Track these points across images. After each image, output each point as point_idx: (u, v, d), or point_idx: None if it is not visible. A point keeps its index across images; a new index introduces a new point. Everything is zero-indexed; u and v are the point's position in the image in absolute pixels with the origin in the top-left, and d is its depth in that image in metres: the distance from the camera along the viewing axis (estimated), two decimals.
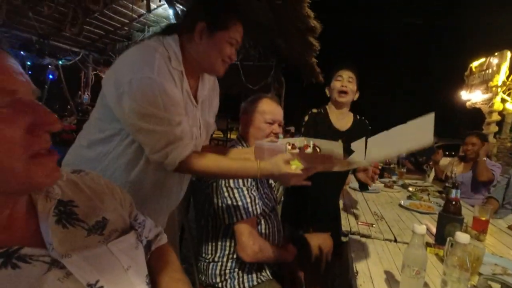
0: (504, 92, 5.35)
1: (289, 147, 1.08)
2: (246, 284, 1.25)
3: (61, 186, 0.60)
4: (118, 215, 0.67)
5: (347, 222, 1.52)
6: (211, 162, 1.01)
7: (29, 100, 0.47)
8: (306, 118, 2.02)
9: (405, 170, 3.23)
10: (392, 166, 3.19)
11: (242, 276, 1.26)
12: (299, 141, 1.15)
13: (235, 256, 1.26)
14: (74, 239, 0.56)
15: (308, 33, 3.94)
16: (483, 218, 1.35)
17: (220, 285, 1.26)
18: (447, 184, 2.72)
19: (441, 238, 1.17)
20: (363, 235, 1.32)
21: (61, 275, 0.50)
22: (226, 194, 1.22)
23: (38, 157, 0.47)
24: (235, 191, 1.22)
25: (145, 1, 4.45)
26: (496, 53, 5.52)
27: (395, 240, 1.30)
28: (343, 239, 1.35)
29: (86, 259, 0.54)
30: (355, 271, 1.00)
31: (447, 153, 5.03)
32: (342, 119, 1.97)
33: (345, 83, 1.87)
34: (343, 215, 1.65)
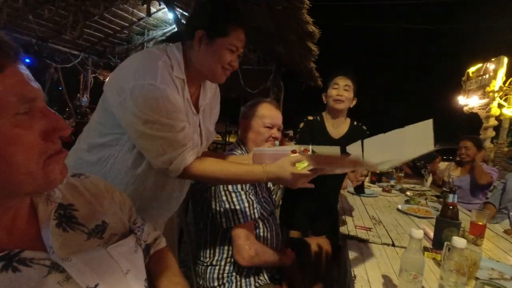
0: (501, 98, 5.39)
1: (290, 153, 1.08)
2: None
3: (61, 190, 0.61)
4: (117, 219, 0.68)
5: (345, 226, 1.52)
6: (215, 167, 1.00)
7: (43, 106, 0.49)
8: (302, 125, 2.03)
9: (403, 175, 3.25)
10: (390, 170, 3.20)
11: (240, 280, 1.26)
12: (296, 147, 1.16)
13: (233, 260, 1.26)
14: (74, 242, 0.56)
15: (307, 39, 3.97)
16: (480, 223, 1.36)
17: None
18: (444, 189, 2.74)
19: (438, 242, 1.18)
20: (361, 240, 1.33)
21: (61, 278, 0.51)
22: (224, 198, 1.23)
23: (52, 157, 0.49)
24: (233, 195, 1.23)
25: (145, 5, 4.47)
26: (492, 59, 5.57)
27: (393, 245, 1.31)
28: (341, 243, 1.36)
29: (86, 263, 0.55)
30: (353, 275, 1.00)
31: (444, 157, 5.05)
32: (337, 127, 1.97)
33: (341, 91, 1.87)
34: (341, 219, 1.65)
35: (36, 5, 4.91)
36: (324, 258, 1.80)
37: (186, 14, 4.94)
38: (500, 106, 5.43)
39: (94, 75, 8.48)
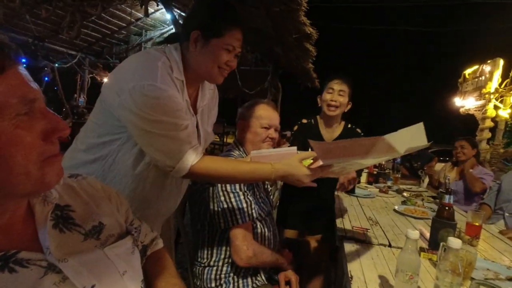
0: (496, 99, 5.43)
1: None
2: None
3: (58, 191, 0.61)
4: (114, 220, 0.68)
5: (342, 227, 1.53)
6: (222, 165, 1.00)
7: (43, 107, 0.49)
8: (296, 128, 2.04)
9: (400, 175, 3.26)
10: (387, 171, 3.21)
11: (238, 281, 1.27)
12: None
13: (230, 261, 1.26)
14: (70, 243, 0.56)
15: (305, 40, 3.99)
16: (476, 224, 1.37)
17: None
18: (441, 190, 2.75)
19: (434, 243, 1.18)
20: (358, 240, 1.33)
21: (58, 279, 0.51)
22: (222, 198, 1.23)
23: (49, 159, 0.49)
24: (231, 195, 1.23)
25: (143, 6, 4.46)
26: (488, 61, 5.62)
27: (390, 245, 1.31)
28: (338, 244, 1.36)
29: (83, 264, 0.55)
30: (349, 276, 1.00)
31: (441, 158, 5.08)
32: (331, 130, 1.97)
33: (336, 96, 1.85)
34: (338, 220, 1.66)
35: (33, 5, 4.89)
36: (321, 259, 1.81)
37: (184, 14, 4.94)
38: (496, 107, 5.47)
39: (91, 75, 8.44)
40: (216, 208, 1.24)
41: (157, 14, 6.89)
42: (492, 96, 5.42)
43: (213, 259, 1.29)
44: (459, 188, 2.88)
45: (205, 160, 0.97)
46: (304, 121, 2.02)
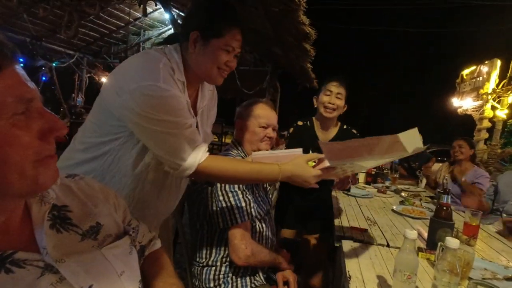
0: (494, 100, 5.46)
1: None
2: None
3: (55, 191, 0.60)
4: (112, 220, 0.67)
5: (340, 227, 1.53)
6: (230, 165, 1.00)
7: (39, 106, 0.48)
8: (291, 130, 2.03)
9: (398, 176, 3.27)
10: (385, 171, 3.22)
11: (236, 281, 1.26)
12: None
13: (229, 260, 1.26)
14: (68, 244, 0.56)
15: (303, 40, 3.99)
16: (474, 224, 1.38)
17: None
18: (438, 190, 2.76)
19: (432, 243, 1.19)
20: (356, 240, 1.33)
21: (55, 280, 0.50)
22: (221, 198, 1.23)
23: (44, 160, 0.48)
24: (230, 195, 1.23)
25: (141, 5, 4.46)
26: (486, 61, 5.64)
27: (388, 245, 1.32)
28: (337, 243, 1.36)
29: (80, 264, 0.54)
30: (348, 275, 1.00)
31: (439, 158, 5.10)
32: (327, 132, 1.97)
33: (333, 99, 1.85)
34: (336, 220, 1.66)
35: (30, 4, 4.87)
36: (319, 259, 1.81)
37: (183, 14, 4.94)
38: (493, 108, 5.49)
39: (89, 75, 8.42)
40: (214, 208, 1.24)
41: (156, 14, 6.88)
42: (489, 97, 5.44)
43: (212, 258, 1.28)
44: (455, 191, 2.89)
45: (211, 159, 0.97)
46: (300, 123, 2.02)
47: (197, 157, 0.93)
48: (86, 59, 8.16)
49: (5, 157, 0.44)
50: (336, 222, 1.62)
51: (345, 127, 1.99)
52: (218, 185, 1.24)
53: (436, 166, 3.55)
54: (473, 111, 5.92)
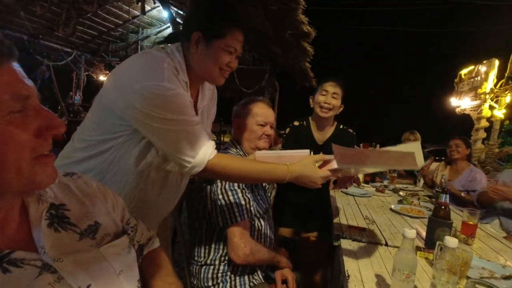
0: (492, 99, 5.47)
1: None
2: None
3: (53, 189, 0.60)
4: (110, 219, 0.67)
5: (339, 226, 1.53)
6: (238, 163, 1.00)
7: (37, 104, 0.48)
8: (287, 130, 2.02)
9: (396, 175, 3.28)
10: (384, 171, 3.23)
11: (235, 280, 1.26)
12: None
13: (227, 259, 1.26)
14: (66, 243, 0.55)
15: (302, 39, 3.99)
16: (472, 223, 1.38)
17: None
18: (437, 189, 2.77)
19: (430, 242, 1.19)
20: (354, 239, 1.33)
21: (52, 279, 0.50)
22: (220, 196, 1.23)
23: (41, 158, 0.48)
24: (230, 193, 1.23)
25: (139, 3, 4.43)
26: (484, 61, 5.65)
27: (386, 244, 1.32)
28: (335, 243, 1.36)
29: (78, 263, 0.54)
30: (346, 274, 1.01)
31: (437, 158, 5.11)
32: (323, 132, 1.96)
33: (329, 99, 1.84)
34: (335, 219, 1.66)
35: (28, 2, 4.84)
36: (318, 257, 1.81)
37: (181, 12, 4.92)
38: (491, 107, 5.50)
39: (87, 73, 8.38)
40: (214, 207, 1.23)
41: (154, 12, 6.85)
42: (487, 96, 5.45)
43: (210, 257, 1.28)
44: (450, 193, 2.89)
45: (219, 157, 0.97)
46: (296, 123, 2.01)
47: (207, 154, 0.94)
48: (84, 57, 8.12)
49: (1, 155, 0.43)
50: (335, 221, 1.62)
51: (341, 126, 1.99)
52: (218, 183, 1.24)
53: (434, 165, 3.55)
54: (471, 110, 5.94)
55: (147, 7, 6.27)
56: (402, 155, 0.95)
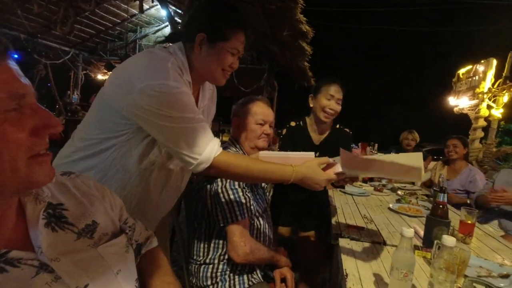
0: (490, 99, 5.49)
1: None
2: (237, 287, 1.25)
3: (51, 189, 0.60)
4: (108, 219, 0.67)
5: (337, 225, 1.53)
6: (243, 161, 1.00)
7: (33, 103, 0.48)
8: (284, 131, 2.01)
9: None
10: None
11: (234, 279, 1.26)
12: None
13: (227, 258, 1.26)
14: (63, 242, 0.55)
15: (300, 38, 3.99)
16: (469, 222, 1.39)
17: (211, 287, 1.26)
18: (434, 188, 2.77)
19: (428, 241, 1.19)
20: (353, 238, 1.34)
21: (50, 279, 0.50)
22: (221, 195, 1.23)
23: (38, 157, 0.48)
24: (230, 192, 1.23)
25: (137, 2, 4.42)
26: (482, 61, 5.67)
27: (384, 243, 1.32)
28: (333, 241, 1.37)
29: (75, 263, 0.54)
30: (344, 273, 1.01)
31: (435, 157, 5.13)
32: (320, 132, 1.96)
33: (334, 105, 1.81)
34: (333, 218, 1.66)
35: (25, 0, 4.81)
36: (316, 256, 1.82)
37: (180, 11, 4.90)
38: (489, 107, 5.53)
39: (85, 72, 8.35)
40: (214, 205, 1.23)
41: (152, 11, 6.83)
42: (485, 96, 5.47)
43: (209, 256, 1.28)
44: (449, 190, 2.91)
45: (225, 154, 0.97)
46: (293, 123, 2.00)
47: (213, 150, 0.94)
48: (82, 56, 8.09)
49: None
50: (333, 220, 1.63)
51: (337, 126, 1.99)
52: (219, 182, 1.24)
53: (431, 165, 3.57)
54: (469, 110, 5.96)
55: (145, 6, 6.25)
56: (408, 168, 0.96)
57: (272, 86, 6.61)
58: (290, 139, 1.96)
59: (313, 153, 1.10)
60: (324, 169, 1.03)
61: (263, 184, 1.50)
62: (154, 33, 7.68)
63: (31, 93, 0.48)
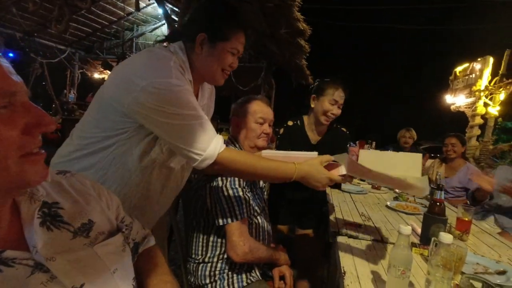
0: (486, 97, 5.52)
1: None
2: (236, 285, 1.25)
3: (46, 188, 0.59)
4: (104, 217, 0.66)
5: (335, 223, 1.53)
6: (247, 158, 1.00)
7: (25, 101, 0.47)
8: (282, 131, 2.01)
9: None
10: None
11: (232, 277, 1.26)
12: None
13: (225, 257, 1.26)
14: (59, 242, 0.55)
15: (298, 36, 3.98)
16: (466, 219, 1.39)
17: (209, 286, 1.26)
18: (431, 186, 2.78)
19: (426, 238, 1.20)
20: (350, 236, 1.34)
21: (45, 278, 0.49)
22: (221, 194, 1.22)
23: (30, 156, 0.47)
24: (231, 191, 1.23)
25: (133, 0, 4.39)
26: (479, 59, 5.69)
27: (382, 241, 1.32)
28: (331, 239, 1.37)
29: (71, 262, 0.53)
30: (342, 271, 1.01)
31: (432, 155, 5.15)
32: (318, 132, 1.96)
33: (336, 109, 1.83)
34: (331, 216, 1.67)
35: None
36: (314, 254, 1.82)
37: (176, 9, 4.88)
38: (485, 105, 5.55)
39: (82, 70, 8.29)
40: (214, 204, 1.23)
41: (149, 9, 6.79)
42: (482, 94, 5.50)
43: (208, 255, 1.28)
44: (448, 187, 2.92)
45: (229, 150, 0.97)
46: (290, 123, 2.00)
47: (217, 146, 0.94)
48: (78, 54, 8.04)
49: None
50: (331, 218, 1.63)
51: (334, 125, 1.99)
52: (219, 182, 1.24)
53: (429, 162, 3.58)
54: (466, 108, 5.99)
55: (142, 4, 6.21)
56: (413, 185, 0.99)
57: (270, 84, 6.60)
58: (288, 138, 1.96)
59: (316, 153, 1.10)
60: (330, 170, 1.03)
61: (261, 184, 1.50)
62: (151, 31, 7.64)
63: (23, 91, 0.47)
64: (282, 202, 1.99)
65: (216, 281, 1.26)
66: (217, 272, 1.27)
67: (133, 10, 6.60)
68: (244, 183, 1.27)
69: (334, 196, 2.11)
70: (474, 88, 5.63)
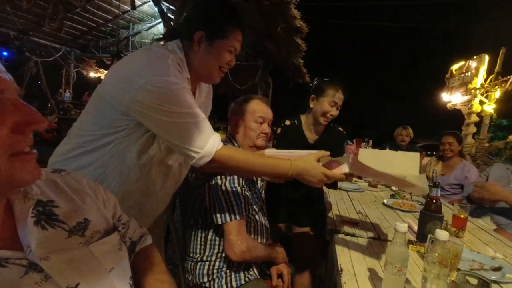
0: (482, 95, 5.55)
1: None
2: (233, 283, 1.25)
3: (40, 186, 0.58)
4: (100, 216, 0.66)
5: (332, 221, 1.54)
6: (243, 155, 1.00)
7: (15, 99, 0.46)
8: (279, 130, 2.01)
9: None
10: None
11: (230, 275, 1.26)
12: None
13: (223, 255, 1.26)
14: (54, 241, 0.54)
15: (295, 34, 3.98)
16: (462, 216, 1.40)
17: (207, 284, 1.26)
18: (428, 184, 2.80)
19: (422, 235, 1.20)
20: (347, 234, 1.34)
21: (39, 278, 0.49)
22: (220, 193, 1.22)
23: (21, 155, 0.46)
24: (230, 191, 1.23)
25: None
26: (475, 57, 5.72)
27: (379, 238, 1.33)
28: (328, 237, 1.37)
29: (66, 262, 0.53)
30: (339, 269, 1.01)
31: (428, 153, 5.18)
32: (315, 131, 1.97)
33: (335, 111, 1.84)
34: (328, 214, 1.67)
35: None
36: (311, 252, 1.82)
37: (172, 7, 4.85)
38: (481, 102, 5.58)
39: (77, 69, 8.22)
40: (213, 203, 1.23)
41: (145, 7, 6.75)
42: (477, 92, 5.53)
43: (206, 254, 1.28)
44: (445, 185, 2.94)
45: (227, 148, 0.98)
46: (287, 122, 2.00)
47: (215, 144, 0.94)
48: (73, 53, 7.97)
49: None
50: (328, 215, 1.63)
51: (331, 125, 2.00)
52: (218, 181, 1.24)
53: (425, 160, 3.60)
54: (462, 105, 6.02)
55: (138, 2, 6.17)
56: (412, 184, 1.00)
57: (267, 83, 6.60)
58: (285, 138, 1.96)
59: (304, 152, 1.10)
60: (331, 169, 1.03)
61: (259, 183, 1.50)
62: (147, 29, 7.59)
63: (12, 88, 0.46)
64: (282, 202, 1.99)
65: (214, 280, 1.26)
66: (215, 271, 1.27)
67: (129, 9, 6.55)
68: (243, 182, 1.27)
69: (331, 194, 2.11)
70: (470, 86, 5.66)
